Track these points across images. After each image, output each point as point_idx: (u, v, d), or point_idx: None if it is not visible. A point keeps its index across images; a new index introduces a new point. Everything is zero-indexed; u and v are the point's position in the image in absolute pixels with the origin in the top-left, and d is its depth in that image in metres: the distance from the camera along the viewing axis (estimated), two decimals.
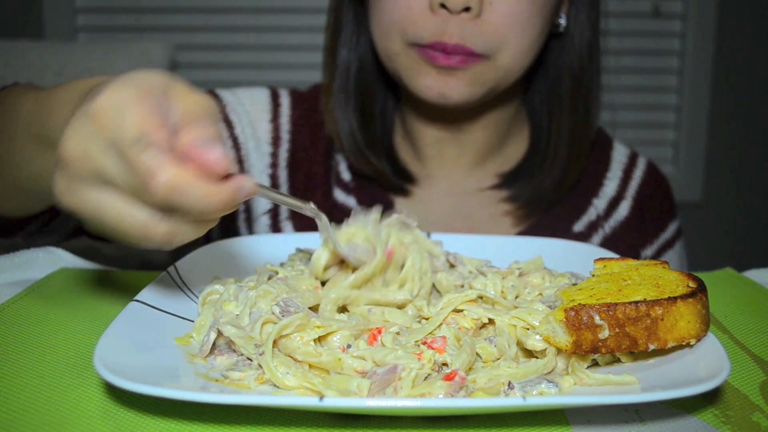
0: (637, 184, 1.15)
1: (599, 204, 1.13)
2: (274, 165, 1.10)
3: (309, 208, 0.62)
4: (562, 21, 1.02)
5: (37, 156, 0.67)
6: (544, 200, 1.08)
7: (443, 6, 0.89)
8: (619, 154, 1.17)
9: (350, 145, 1.07)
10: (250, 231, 1.12)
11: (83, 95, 0.60)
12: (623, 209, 1.14)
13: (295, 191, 1.10)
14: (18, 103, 0.71)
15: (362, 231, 0.67)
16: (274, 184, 1.10)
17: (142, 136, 0.48)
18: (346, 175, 1.11)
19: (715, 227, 2.56)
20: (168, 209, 0.50)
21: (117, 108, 0.50)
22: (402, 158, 1.11)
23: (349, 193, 1.10)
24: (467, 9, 0.89)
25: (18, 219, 0.81)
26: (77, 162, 0.50)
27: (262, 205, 1.11)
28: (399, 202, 1.09)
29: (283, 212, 1.11)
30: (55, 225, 0.86)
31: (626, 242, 1.12)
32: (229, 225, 1.11)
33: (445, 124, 1.07)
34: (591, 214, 1.12)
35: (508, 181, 1.10)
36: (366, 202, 1.09)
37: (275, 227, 1.10)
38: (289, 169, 1.10)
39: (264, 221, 1.11)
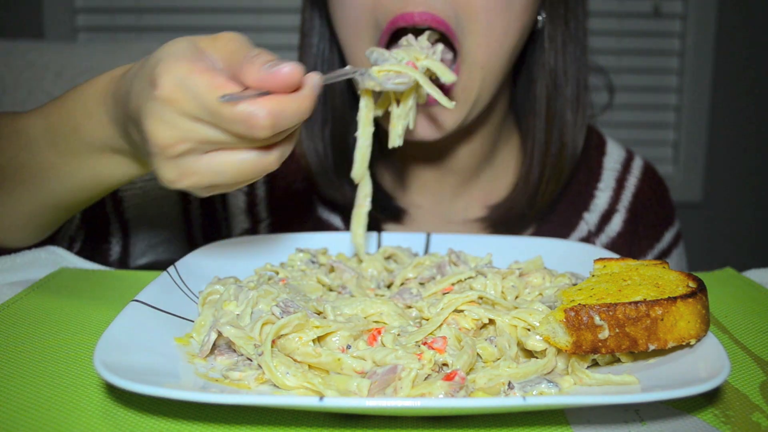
0: (630, 194, 1.10)
1: (590, 218, 1.08)
2: (251, 185, 1.06)
3: (350, 69, 0.68)
4: (540, 18, 0.96)
5: (87, 164, 0.70)
6: (520, 218, 1.02)
7: None
8: (612, 161, 1.11)
9: (319, 169, 1.00)
10: (228, 232, 1.10)
11: (108, 93, 0.65)
12: (616, 223, 1.09)
13: (273, 208, 1.07)
14: (23, 126, 0.73)
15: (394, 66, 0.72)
16: (252, 203, 1.07)
17: (222, 95, 0.53)
18: None
19: (715, 227, 2.56)
20: (274, 137, 0.55)
21: (182, 83, 0.54)
22: (383, 185, 1.05)
23: (333, 210, 1.06)
24: None
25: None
26: (177, 144, 0.55)
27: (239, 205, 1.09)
28: (387, 225, 1.06)
29: (261, 213, 1.09)
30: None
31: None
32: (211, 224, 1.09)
33: (427, 146, 0.99)
34: (582, 230, 1.08)
35: (494, 213, 1.04)
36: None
37: (254, 230, 1.08)
38: (267, 186, 1.07)
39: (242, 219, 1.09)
